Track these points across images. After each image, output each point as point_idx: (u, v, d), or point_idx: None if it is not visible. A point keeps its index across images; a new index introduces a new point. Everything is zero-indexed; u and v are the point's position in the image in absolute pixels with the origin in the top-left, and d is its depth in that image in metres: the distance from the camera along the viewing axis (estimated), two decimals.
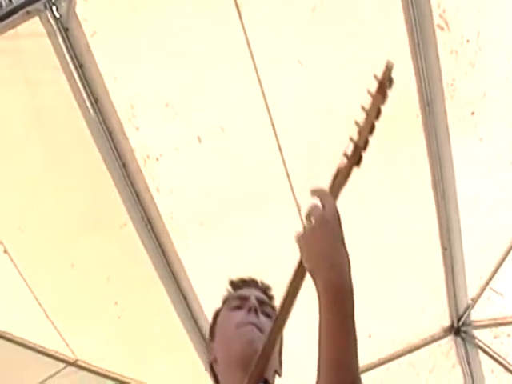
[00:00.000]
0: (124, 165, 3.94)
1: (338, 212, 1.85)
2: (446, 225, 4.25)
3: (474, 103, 3.97)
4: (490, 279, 4.56)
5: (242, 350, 2.19)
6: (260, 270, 4.30)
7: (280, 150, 3.92)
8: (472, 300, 4.64)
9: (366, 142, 1.88)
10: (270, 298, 2.40)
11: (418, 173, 4.06)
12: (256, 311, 2.29)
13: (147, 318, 4.46)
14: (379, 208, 4.24)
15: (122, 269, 4.29)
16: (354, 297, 1.78)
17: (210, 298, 4.40)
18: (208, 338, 2.41)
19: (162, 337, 4.55)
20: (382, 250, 4.29)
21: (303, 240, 1.86)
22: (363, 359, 4.95)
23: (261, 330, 2.23)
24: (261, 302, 2.33)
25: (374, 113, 1.88)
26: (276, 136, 3.89)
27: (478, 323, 4.73)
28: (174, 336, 4.56)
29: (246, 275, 4.30)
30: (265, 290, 2.42)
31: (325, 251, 1.81)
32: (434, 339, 4.69)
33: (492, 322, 4.73)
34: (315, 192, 1.91)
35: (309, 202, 4.20)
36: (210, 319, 4.45)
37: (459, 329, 4.69)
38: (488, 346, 4.75)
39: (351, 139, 1.88)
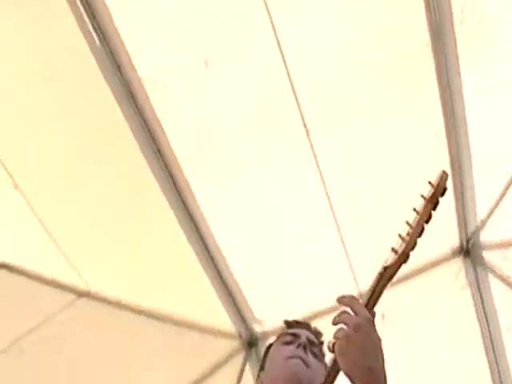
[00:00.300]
0: (131, 93, 3.92)
1: (370, 318, 1.99)
2: (455, 145, 4.25)
3: (485, 29, 3.95)
4: (500, 200, 4.55)
5: (289, 379, 2.42)
6: (268, 191, 4.34)
7: (288, 74, 3.90)
8: (481, 221, 4.65)
9: (415, 244, 2.06)
10: (320, 342, 2.59)
11: (426, 92, 4.05)
12: (305, 348, 2.50)
13: (159, 247, 4.49)
14: (389, 133, 4.25)
15: (132, 197, 4.30)
16: None
17: (220, 223, 4.46)
18: (259, 368, 2.62)
19: (173, 265, 4.58)
20: (391, 171, 4.30)
21: (339, 350, 1.95)
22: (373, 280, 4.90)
23: (307, 365, 2.45)
24: (311, 342, 2.54)
25: (425, 217, 2.08)
26: (284, 59, 3.87)
27: (488, 244, 4.73)
28: (185, 263, 4.59)
29: (255, 202, 4.35)
30: (316, 334, 2.62)
31: (362, 355, 1.92)
32: (443, 260, 4.71)
33: (501, 243, 4.73)
34: (342, 300, 2.03)
35: (315, 125, 4.20)
36: (219, 243, 4.55)
37: (468, 250, 4.71)
38: (497, 268, 4.76)
39: (400, 236, 2.07)
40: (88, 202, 4.30)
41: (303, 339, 2.53)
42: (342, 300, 2.03)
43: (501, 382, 4.84)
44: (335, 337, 1.96)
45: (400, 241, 2.07)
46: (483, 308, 4.77)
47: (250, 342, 5.01)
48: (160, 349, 4.80)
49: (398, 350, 4.81)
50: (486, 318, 4.79)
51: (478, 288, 4.75)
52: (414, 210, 2.09)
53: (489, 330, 4.80)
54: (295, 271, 4.70)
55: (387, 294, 4.79)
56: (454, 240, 4.69)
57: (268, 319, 4.96)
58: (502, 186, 4.49)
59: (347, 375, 1.95)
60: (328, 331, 4.90)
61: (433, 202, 2.08)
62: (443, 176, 2.09)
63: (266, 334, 5.00)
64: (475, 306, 4.76)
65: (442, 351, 4.83)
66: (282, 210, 4.45)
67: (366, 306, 2.04)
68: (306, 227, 4.55)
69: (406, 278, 4.71)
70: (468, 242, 4.69)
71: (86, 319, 4.63)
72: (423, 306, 4.75)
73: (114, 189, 4.27)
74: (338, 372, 2.03)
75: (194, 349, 4.88)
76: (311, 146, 4.19)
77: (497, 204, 4.54)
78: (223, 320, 4.89)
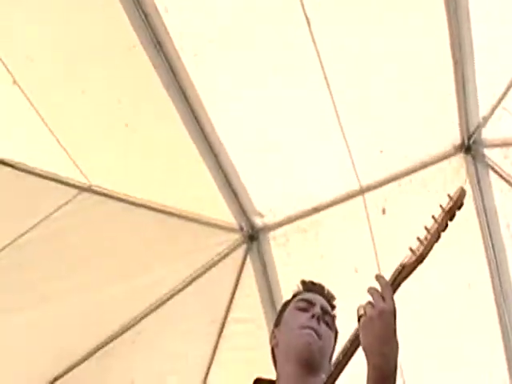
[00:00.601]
0: None
1: (395, 308, 2.27)
2: (457, 39, 4.17)
3: None
4: (502, 98, 4.50)
5: (300, 348, 2.65)
6: (270, 81, 4.31)
7: None
8: (483, 119, 4.61)
9: (431, 247, 2.38)
10: (332, 306, 2.85)
11: None
12: (318, 319, 2.71)
13: (160, 141, 4.48)
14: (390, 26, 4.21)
15: (133, 91, 4.27)
16: (396, 375, 2.23)
17: (221, 116, 4.44)
18: (274, 323, 2.87)
19: (175, 158, 4.58)
20: (392, 61, 4.26)
21: (363, 327, 2.26)
22: (375, 175, 5.01)
23: (319, 335, 2.68)
24: (324, 311, 2.77)
25: (442, 226, 2.37)
26: None
27: (489, 142, 4.71)
28: (187, 156, 4.58)
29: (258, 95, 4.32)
30: (329, 299, 2.85)
31: (378, 341, 2.22)
32: (444, 156, 4.68)
33: (503, 141, 4.72)
34: (379, 278, 2.32)
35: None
36: (221, 138, 4.55)
37: (470, 147, 4.68)
38: (498, 166, 4.76)
39: (419, 239, 2.39)
40: (89, 96, 4.28)
41: (317, 309, 2.74)
42: (378, 278, 2.32)
43: (499, 278, 4.89)
44: (364, 311, 2.27)
45: (418, 243, 2.39)
46: (483, 205, 4.79)
47: (251, 236, 5.04)
48: (161, 242, 4.84)
49: (396, 243, 4.86)
50: (485, 214, 4.81)
51: (479, 185, 4.76)
52: (433, 217, 2.38)
53: (488, 227, 4.83)
54: (296, 165, 4.71)
55: (389, 188, 4.86)
56: (455, 136, 4.66)
57: (269, 213, 4.99)
58: (506, 84, 4.43)
59: (364, 350, 2.26)
60: (327, 224, 4.99)
61: (450, 214, 2.38)
62: (461, 193, 2.40)
63: (267, 228, 5.04)
64: (475, 202, 4.76)
65: (440, 246, 4.87)
66: (283, 101, 4.42)
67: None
68: (307, 120, 4.53)
69: (408, 172, 4.74)
70: (469, 138, 4.66)
71: (87, 214, 4.64)
72: (424, 201, 4.76)
73: (114, 83, 4.24)
74: (357, 347, 2.35)
75: (195, 242, 4.92)
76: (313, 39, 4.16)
77: (499, 101, 4.50)
78: (225, 213, 4.91)
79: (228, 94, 4.37)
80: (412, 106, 4.42)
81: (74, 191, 4.59)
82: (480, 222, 4.82)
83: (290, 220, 4.98)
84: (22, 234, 4.51)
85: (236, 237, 5.03)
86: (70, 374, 4.97)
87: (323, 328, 2.71)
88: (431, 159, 4.69)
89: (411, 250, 2.38)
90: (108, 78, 4.21)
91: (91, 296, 4.81)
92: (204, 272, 5.01)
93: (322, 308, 2.77)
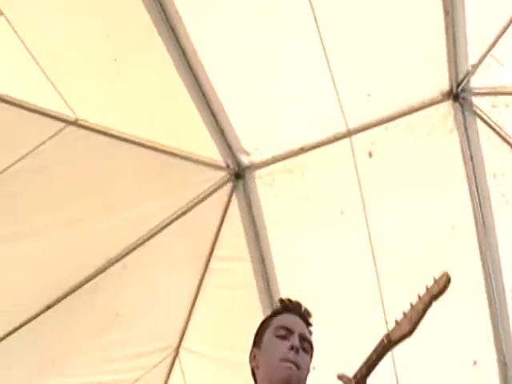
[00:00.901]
0: None
1: None
2: None
3: None
4: (492, 47, 4.48)
5: (280, 379, 2.75)
6: (259, 23, 4.28)
7: None
8: (472, 67, 4.59)
9: (417, 325, 2.55)
10: (308, 324, 2.92)
11: None
12: (297, 350, 2.79)
13: (148, 77, 4.47)
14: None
15: (121, 25, 4.24)
16: None
17: (210, 53, 4.41)
18: (253, 342, 2.91)
19: (163, 94, 4.56)
20: (386, 13, 4.23)
21: None
22: (362, 118, 5.00)
23: (298, 366, 2.77)
24: (302, 338, 2.84)
25: (426, 305, 2.53)
26: None
27: (477, 91, 4.69)
28: (174, 93, 4.56)
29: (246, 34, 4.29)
30: (306, 317, 2.92)
31: None
32: (432, 103, 4.67)
33: (491, 90, 4.70)
34: (343, 379, 2.54)
35: None
36: (210, 76, 4.50)
37: (458, 94, 4.67)
38: (486, 114, 4.75)
39: (404, 314, 2.59)
40: (76, 29, 4.25)
41: (296, 341, 2.81)
42: (340, 378, 2.55)
43: (484, 225, 4.92)
44: None
45: (402, 316, 2.55)
46: (470, 153, 4.79)
47: (237, 174, 5.03)
48: (148, 177, 4.84)
49: (382, 186, 4.89)
50: (472, 162, 4.81)
51: (466, 132, 4.75)
52: (418, 296, 2.55)
53: (474, 175, 4.84)
54: (284, 104, 4.69)
55: (376, 131, 4.86)
56: (444, 83, 4.64)
57: (256, 152, 4.98)
58: (496, 32, 4.41)
59: None
60: (313, 165, 4.98)
61: (434, 296, 2.53)
62: (447, 279, 2.53)
63: (253, 166, 5.03)
64: (462, 150, 4.77)
65: (426, 190, 4.88)
66: (272, 43, 4.41)
67: (363, 368, 2.55)
68: (296, 60, 4.51)
69: (395, 117, 4.72)
70: (458, 86, 4.65)
71: (73, 148, 4.62)
72: (410, 146, 4.77)
73: (103, 17, 4.21)
74: None
75: (181, 179, 4.91)
76: None
77: (489, 50, 4.48)
78: (211, 150, 4.89)
79: (217, 31, 4.35)
80: (402, 51, 4.39)
81: (61, 125, 4.56)
82: (466, 170, 4.82)
83: (276, 159, 4.97)
84: (8, 167, 4.50)
85: (222, 174, 5.01)
86: (57, 305, 5.00)
87: (301, 357, 2.80)
88: (419, 105, 4.67)
89: (396, 322, 2.54)
90: (97, 13, 4.17)
91: (78, 230, 4.82)
92: (190, 209, 5.01)
93: (301, 336, 2.84)
